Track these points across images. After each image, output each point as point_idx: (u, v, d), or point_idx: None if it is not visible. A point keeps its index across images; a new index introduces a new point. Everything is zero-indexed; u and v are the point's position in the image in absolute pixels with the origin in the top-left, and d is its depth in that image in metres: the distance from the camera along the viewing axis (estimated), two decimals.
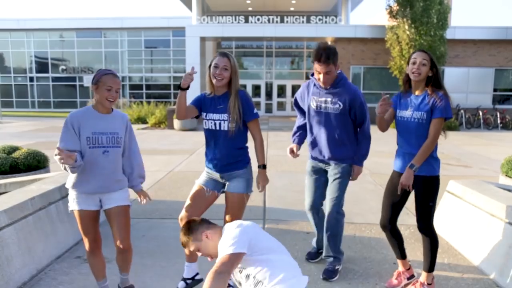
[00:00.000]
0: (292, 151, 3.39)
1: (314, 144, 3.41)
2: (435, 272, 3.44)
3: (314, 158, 3.47)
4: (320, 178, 3.48)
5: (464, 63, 20.44)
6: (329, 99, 3.24)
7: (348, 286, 3.23)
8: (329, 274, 3.34)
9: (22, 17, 28.28)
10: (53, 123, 19.33)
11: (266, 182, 3.13)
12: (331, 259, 3.41)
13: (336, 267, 3.39)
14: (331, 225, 3.36)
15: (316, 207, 3.53)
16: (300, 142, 3.51)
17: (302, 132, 3.56)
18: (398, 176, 3.11)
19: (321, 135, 3.33)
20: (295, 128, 3.62)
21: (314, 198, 3.51)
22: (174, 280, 3.29)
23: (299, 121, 3.61)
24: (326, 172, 3.45)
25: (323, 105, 3.27)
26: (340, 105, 3.22)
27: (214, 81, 2.88)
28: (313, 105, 3.32)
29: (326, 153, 3.34)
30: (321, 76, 3.14)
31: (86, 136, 2.65)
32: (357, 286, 3.24)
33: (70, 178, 2.74)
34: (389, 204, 3.16)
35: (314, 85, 3.35)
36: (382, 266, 3.61)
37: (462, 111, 18.85)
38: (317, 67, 3.12)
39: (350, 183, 6.35)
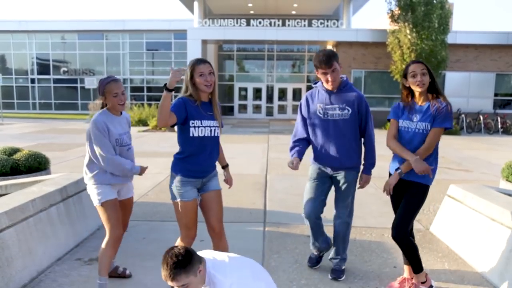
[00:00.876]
0: (292, 163, 3.23)
1: (321, 154, 3.31)
2: (435, 277, 3.44)
3: (321, 164, 3.36)
4: (324, 184, 3.38)
5: (465, 67, 20.44)
6: (336, 106, 3.21)
7: None
8: (338, 274, 3.41)
9: (24, 19, 28.45)
10: (54, 125, 19.35)
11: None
12: (337, 260, 3.46)
13: (343, 267, 3.47)
14: (343, 231, 3.38)
15: (316, 214, 3.41)
16: (300, 155, 3.33)
17: (300, 146, 3.39)
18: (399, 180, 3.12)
19: (330, 144, 3.25)
20: (292, 143, 3.44)
21: (316, 205, 3.38)
22: None
23: (297, 134, 3.43)
24: (331, 178, 3.39)
25: (330, 112, 3.22)
26: (349, 110, 3.20)
27: (204, 88, 2.83)
28: (320, 113, 3.26)
29: (335, 162, 3.26)
30: (328, 76, 3.14)
31: (115, 138, 3.01)
32: None
33: (95, 172, 3.02)
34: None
35: (319, 91, 3.32)
36: (383, 269, 3.61)
37: (463, 115, 18.84)
38: (322, 69, 3.14)
39: None
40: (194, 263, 1.94)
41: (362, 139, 3.37)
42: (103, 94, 3.00)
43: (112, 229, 3.00)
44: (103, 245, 3.01)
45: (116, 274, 3.33)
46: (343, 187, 3.32)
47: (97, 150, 2.94)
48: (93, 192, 3.03)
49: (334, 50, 21.75)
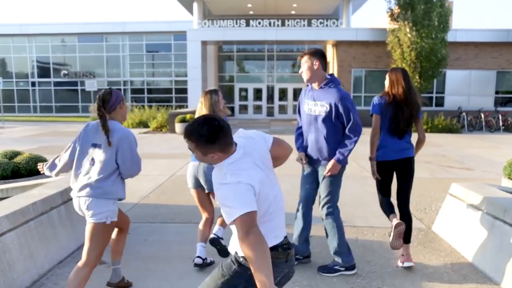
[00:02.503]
0: (300, 159, 3.57)
1: (307, 145, 3.57)
2: (438, 276, 3.43)
3: (308, 153, 3.58)
4: (312, 173, 3.58)
5: (465, 65, 20.41)
6: (318, 103, 3.41)
7: None
8: (323, 269, 3.50)
9: (24, 22, 28.44)
10: (55, 128, 19.36)
11: None
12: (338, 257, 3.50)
13: (335, 267, 3.47)
14: (329, 222, 3.49)
15: (310, 199, 3.60)
16: (305, 150, 3.60)
17: (302, 139, 3.68)
18: None
19: (311, 137, 3.49)
20: (296, 135, 3.72)
21: (308, 191, 3.59)
22: (176, 285, 3.28)
23: (298, 124, 3.73)
24: (317, 171, 3.58)
25: (313, 108, 3.45)
26: (326, 108, 3.37)
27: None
28: (305, 109, 3.52)
29: (314, 154, 3.49)
30: (303, 68, 3.43)
31: None
32: None
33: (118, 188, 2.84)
34: None
35: (310, 89, 3.54)
36: (385, 269, 3.59)
37: (464, 113, 18.81)
38: (299, 60, 3.48)
39: (353, 186, 6.30)
40: (212, 142, 1.76)
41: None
42: (120, 103, 2.89)
43: (101, 252, 2.78)
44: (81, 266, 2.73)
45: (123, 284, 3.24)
46: (324, 177, 3.47)
47: (135, 155, 2.83)
48: (112, 208, 2.77)
49: (334, 49, 21.73)
